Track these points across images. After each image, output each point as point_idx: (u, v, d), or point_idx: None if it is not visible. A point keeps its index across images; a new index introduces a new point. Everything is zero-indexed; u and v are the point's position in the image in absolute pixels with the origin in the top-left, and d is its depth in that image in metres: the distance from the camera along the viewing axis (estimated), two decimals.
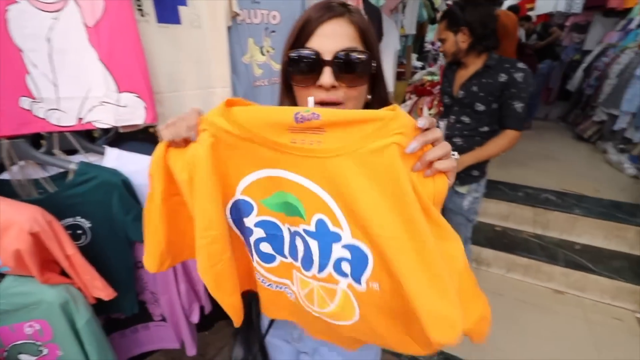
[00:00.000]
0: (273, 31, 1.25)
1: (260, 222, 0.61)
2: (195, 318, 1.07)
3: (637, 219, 2.41)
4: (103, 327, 0.86)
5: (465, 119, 1.61)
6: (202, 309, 1.09)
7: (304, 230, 0.57)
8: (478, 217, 1.78)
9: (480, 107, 1.53)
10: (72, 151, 0.85)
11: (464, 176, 1.65)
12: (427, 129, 0.47)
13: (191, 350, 1.12)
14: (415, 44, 3.70)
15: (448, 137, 1.67)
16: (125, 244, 0.85)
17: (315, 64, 0.57)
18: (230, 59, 1.11)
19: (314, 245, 0.57)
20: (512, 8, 4.13)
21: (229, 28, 1.09)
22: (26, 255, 0.66)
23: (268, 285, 0.68)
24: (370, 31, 0.60)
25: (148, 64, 0.86)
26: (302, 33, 0.59)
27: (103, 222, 0.82)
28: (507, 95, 1.46)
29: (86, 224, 0.81)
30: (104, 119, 0.82)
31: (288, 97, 0.66)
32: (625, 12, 4.61)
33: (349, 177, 0.49)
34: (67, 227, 0.79)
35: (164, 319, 1.05)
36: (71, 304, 0.75)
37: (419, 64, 3.86)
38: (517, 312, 2.12)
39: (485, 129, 1.58)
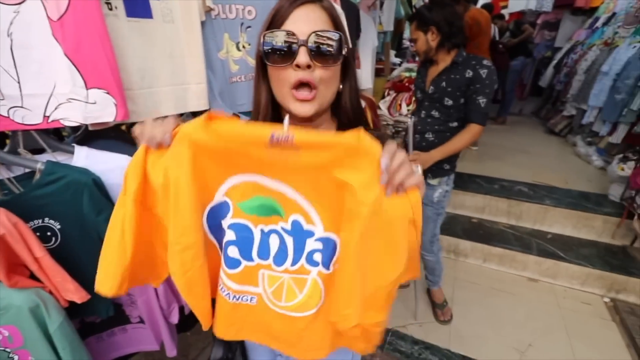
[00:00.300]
0: (249, 27, 1.24)
1: (233, 224, 0.63)
2: (175, 319, 1.06)
3: (604, 208, 2.55)
4: (78, 331, 0.83)
5: (435, 114, 1.69)
6: (182, 309, 1.08)
7: (282, 228, 0.62)
8: (446, 211, 1.85)
9: (449, 102, 1.61)
10: (38, 150, 0.82)
11: (436, 169, 1.72)
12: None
13: (171, 352, 1.10)
14: (394, 40, 3.74)
15: (420, 132, 1.74)
16: (97, 245, 0.81)
17: (291, 44, 0.59)
18: (205, 55, 1.09)
19: (289, 240, 0.62)
20: (486, 6, 4.23)
21: (204, 23, 1.08)
22: None
23: (226, 295, 0.68)
24: (340, 19, 0.64)
25: (118, 59, 0.84)
26: (276, 19, 0.61)
27: (73, 223, 0.79)
28: (472, 90, 1.54)
29: (56, 225, 0.79)
30: (71, 116, 0.79)
31: (264, 82, 0.68)
32: (592, 11, 4.83)
33: (322, 186, 0.56)
34: (36, 229, 0.76)
35: (142, 321, 1.03)
36: (42, 308, 0.72)
37: (397, 60, 3.91)
38: (493, 300, 2.20)
39: (455, 124, 1.65)
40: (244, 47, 1.25)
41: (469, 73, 1.53)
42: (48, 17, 0.73)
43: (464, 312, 2.07)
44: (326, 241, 0.61)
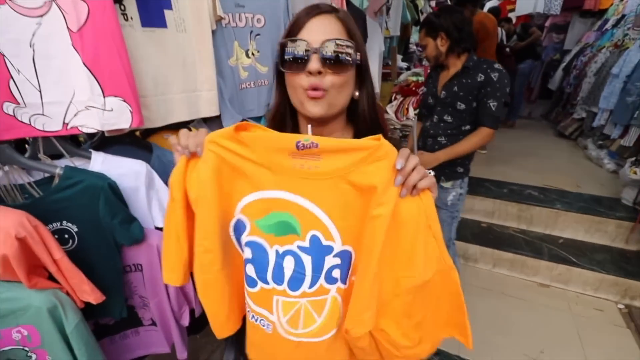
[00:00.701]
0: (258, 34, 1.27)
1: (250, 242, 0.65)
2: (186, 321, 1.07)
3: (617, 212, 2.50)
4: (92, 332, 0.85)
5: (448, 118, 1.69)
6: (192, 312, 1.09)
7: (299, 247, 0.62)
8: (460, 215, 1.84)
9: (461, 105, 1.62)
10: (57, 155, 0.85)
11: (449, 172, 1.72)
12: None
13: (182, 354, 1.12)
14: (400, 45, 3.76)
15: (433, 136, 1.75)
16: (112, 247, 0.85)
17: (304, 52, 0.62)
18: (216, 62, 1.12)
19: (307, 260, 0.63)
20: (492, 10, 4.24)
21: (214, 31, 1.10)
22: (13, 261, 0.66)
23: (248, 312, 0.71)
24: (355, 29, 0.66)
25: (133, 67, 0.86)
26: (293, 28, 0.65)
27: (90, 226, 0.81)
28: (483, 93, 1.55)
29: (73, 228, 0.81)
30: (89, 123, 0.82)
31: (281, 88, 0.71)
32: (601, 13, 4.79)
33: (341, 194, 0.58)
34: (54, 232, 0.79)
35: (154, 323, 1.05)
36: (59, 308, 0.74)
37: (404, 64, 3.92)
38: (504, 306, 2.17)
39: (467, 127, 1.66)
40: (253, 54, 1.28)
41: (481, 77, 1.55)
42: (68, 29, 0.76)
43: (473, 318, 2.04)
44: (343, 255, 0.62)
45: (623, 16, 4.10)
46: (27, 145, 0.83)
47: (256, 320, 0.70)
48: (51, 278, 0.76)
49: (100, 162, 0.85)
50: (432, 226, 0.56)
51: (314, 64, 0.61)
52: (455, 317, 0.63)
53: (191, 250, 0.65)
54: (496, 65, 1.56)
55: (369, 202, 0.55)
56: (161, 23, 0.96)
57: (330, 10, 0.65)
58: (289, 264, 0.63)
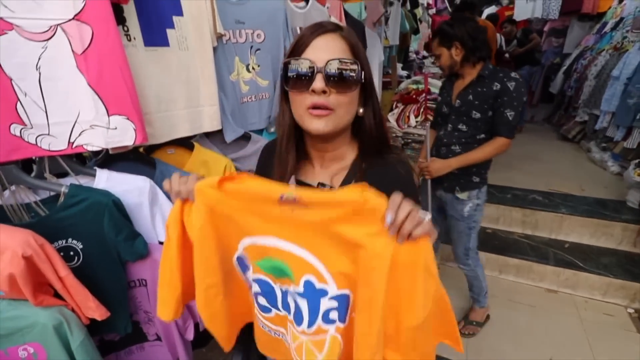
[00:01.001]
0: (258, 49, 1.30)
1: (256, 279, 0.68)
2: (190, 335, 1.07)
3: (622, 215, 2.48)
4: (98, 349, 0.86)
5: (463, 127, 1.67)
6: (197, 326, 1.09)
7: (295, 292, 0.64)
8: (479, 225, 1.79)
9: (477, 114, 1.60)
10: (63, 174, 0.86)
11: (464, 182, 1.69)
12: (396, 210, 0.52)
13: None
14: (400, 53, 3.80)
15: (447, 145, 1.72)
16: (117, 264, 0.86)
17: (309, 71, 0.62)
18: (217, 78, 1.14)
19: (303, 304, 0.64)
20: (491, 16, 4.27)
21: (215, 48, 1.13)
22: (20, 279, 0.67)
23: (268, 331, 0.75)
24: (360, 47, 0.67)
25: (137, 86, 0.88)
26: (297, 46, 0.65)
27: (95, 243, 0.83)
28: (499, 103, 1.53)
29: (78, 245, 0.82)
30: (94, 142, 0.84)
31: (286, 104, 0.71)
32: (599, 16, 4.81)
33: (332, 240, 0.57)
34: (60, 249, 0.80)
35: (158, 338, 1.05)
36: (65, 325, 0.75)
37: (404, 73, 3.95)
38: (511, 313, 2.15)
39: (482, 136, 1.63)
40: (253, 68, 1.31)
41: (497, 86, 1.53)
42: (73, 51, 0.78)
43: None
44: (340, 298, 0.62)
45: (621, 19, 4.11)
46: (33, 164, 0.85)
47: (279, 335, 0.74)
48: (57, 295, 0.77)
49: (105, 180, 0.86)
50: (431, 268, 0.55)
51: (319, 83, 0.61)
52: (446, 328, 0.64)
53: (183, 288, 0.67)
54: (513, 74, 1.54)
55: (364, 253, 0.54)
56: (164, 42, 0.99)
57: (335, 28, 0.66)
58: (291, 303, 0.66)
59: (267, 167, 0.78)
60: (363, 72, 0.65)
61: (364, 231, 0.53)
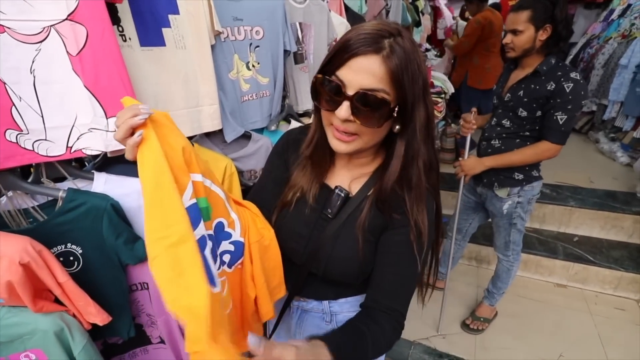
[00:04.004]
0: (257, 46, 1.27)
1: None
2: None
3: (633, 207, 2.43)
4: (101, 352, 0.85)
5: (507, 123, 1.56)
6: None
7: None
8: (525, 222, 1.70)
9: (523, 113, 1.48)
10: (60, 178, 0.85)
11: (504, 178, 1.59)
12: None
13: None
14: None
15: (487, 139, 1.64)
16: (117, 267, 0.85)
17: (337, 95, 0.59)
18: (216, 76, 1.12)
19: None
20: (493, 6, 4.18)
21: (214, 46, 1.11)
22: (18, 287, 0.66)
23: None
24: (406, 74, 0.58)
25: (134, 87, 0.87)
26: (336, 58, 0.59)
27: (94, 247, 0.81)
28: (551, 104, 1.40)
29: (78, 250, 0.81)
30: (93, 145, 0.82)
31: (316, 110, 0.71)
32: (605, 4, 4.70)
33: None
34: (59, 255, 0.79)
35: (162, 341, 1.04)
36: (66, 331, 0.74)
37: None
38: (520, 308, 2.12)
39: (527, 133, 1.52)
40: (253, 66, 1.28)
41: (551, 85, 1.38)
42: (68, 53, 0.76)
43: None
44: (237, 244, 0.71)
45: (629, 5, 4.01)
46: (31, 169, 0.84)
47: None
48: (57, 301, 0.76)
49: (103, 183, 0.85)
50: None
51: (344, 112, 0.58)
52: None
53: None
54: (573, 74, 1.36)
55: None
56: (159, 42, 0.97)
57: (380, 49, 0.56)
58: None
59: (290, 154, 0.82)
60: (402, 102, 0.59)
61: None
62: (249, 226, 0.73)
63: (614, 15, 4.33)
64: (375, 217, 0.72)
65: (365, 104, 0.58)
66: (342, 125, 0.61)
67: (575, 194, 2.69)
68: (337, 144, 0.65)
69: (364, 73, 0.57)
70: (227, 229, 0.68)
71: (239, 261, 0.73)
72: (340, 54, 0.59)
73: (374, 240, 0.73)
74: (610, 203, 2.51)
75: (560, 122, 1.39)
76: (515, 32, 1.42)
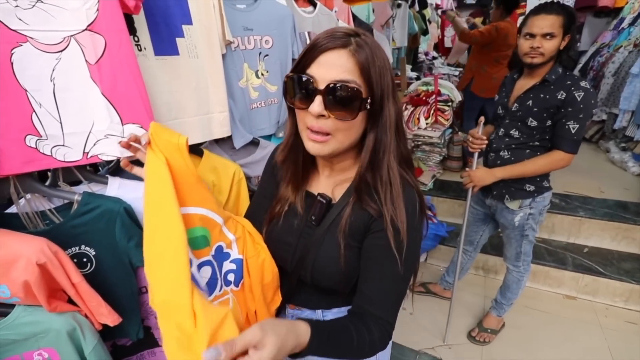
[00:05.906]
0: (266, 55, 1.30)
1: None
2: None
3: None
4: (110, 354, 0.87)
5: (515, 133, 1.53)
6: None
7: (212, 256, 0.74)
8: (536, 233, 1.68)
9: (533, 122, 1.46)
10: (76, 182, 0.88)
11: (515, 190, 1.57)
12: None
13: None
14: (409, 55, 3.77)
15: (495, 150, 1.60)
16: (128, 269, 0.87)
17: (309, 91, 0.60)
18: (226, 84, 1.15)
19: (213, 267, 0.75)
20: None
21: (224, 55, 1.14)
22: (34, 286, 0.69)
23: None
24: (373, 68, 0.59)
25: (148, 94, 0.90)
26: (305, 57, 0.61)
27: (107, 250, 0.84)
28: (562, 113, 1.38)
29: (91, 252, 0.84)
30: (109, 151, 0.85)
31: (291, 114, 0.70)
32: (615, 12, 4.67)
33: None
34: (73, 256, 0.82)
35: None
36: (78, 331, 0.77)
37: (413, 74, 3.92)
38: (528, 320, 2.09)
39: (536, 143, 1.51)
40: (262, 74, 1.31)
41: (562, 95, 1.37)
42: (86, 62, 0.80)
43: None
44: (238, 262, 0.78)
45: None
46: (48, 172, 0.87)
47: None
48: (70, 301, 0.78)
49: (117, 187, 0.88)
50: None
51: (317, 106, 0.59)
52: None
53: None
54: (582, 83, 1.35)
55: None
56: (173, 51, 1.00)
57: (347, 43, 0.59)
58: (204, 273, 0.76)
59: (278, 170, 0.81)
60: (371, 95, 0.60)
61: None
62: (246, 242, 0.79)
63: (625, 24, 4.30)
64: (356, 220, 0.70)
65: (337, 96, 0.58)
66: (317, 123, 0.60)
67: (585, 204, 2.66)
68: (312, 146, 0.64)
69: (333, 66, 0.59)
70: (225, 250, 0.77)
71: (242, 279, 0.80)
72: (310, 52, 0.60)
73: (356, 245, 0.71)
74: (621, 214, 2.47)
75: (573, 131, 1.38)
76: (550, 36, 1.37)
